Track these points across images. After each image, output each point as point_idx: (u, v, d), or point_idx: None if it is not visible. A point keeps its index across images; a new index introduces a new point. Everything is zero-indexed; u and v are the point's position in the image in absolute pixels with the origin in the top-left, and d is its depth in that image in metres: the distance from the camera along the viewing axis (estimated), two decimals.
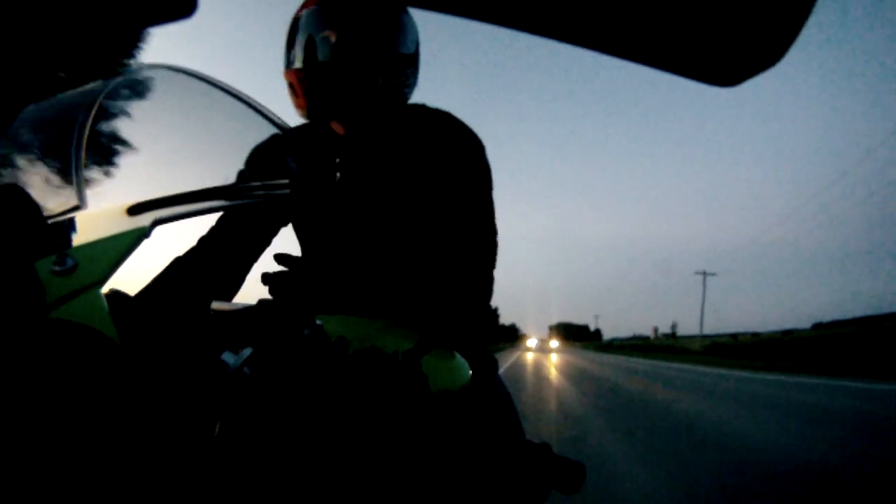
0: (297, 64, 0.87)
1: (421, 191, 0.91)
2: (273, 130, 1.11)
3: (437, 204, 0.90)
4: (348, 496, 0.57)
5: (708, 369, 19.05)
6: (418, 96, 0.97)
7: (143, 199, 0.69)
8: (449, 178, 0.90)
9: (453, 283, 0.86)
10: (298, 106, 0.91)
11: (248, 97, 1.09)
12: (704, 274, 50.64)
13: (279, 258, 0.75)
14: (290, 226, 1.04)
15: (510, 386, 0.95)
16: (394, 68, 0.87)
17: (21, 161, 0.74)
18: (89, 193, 0.67)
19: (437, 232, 0.90)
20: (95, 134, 0.72)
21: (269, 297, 0.72)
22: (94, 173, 0.69)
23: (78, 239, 0.70)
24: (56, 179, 0.69)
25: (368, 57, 0.85)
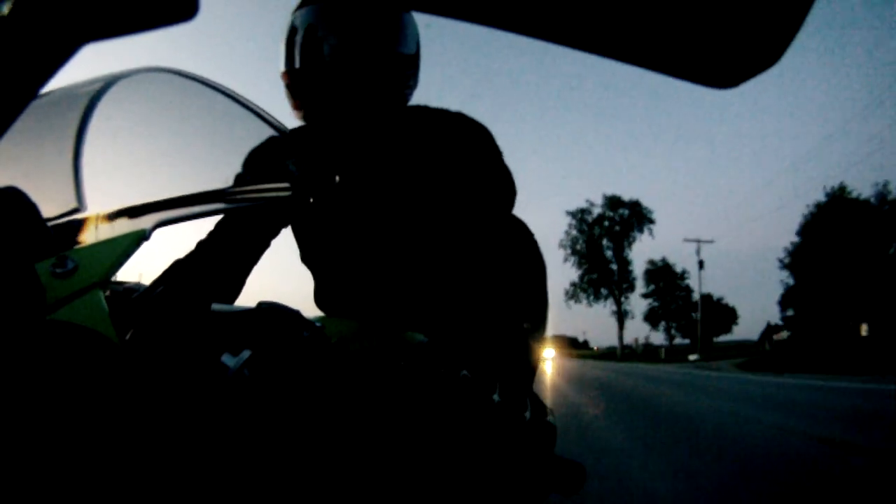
0: (295, 65, 0.86)
1: (428, 192, 0.90)
2: (271, 132, 1.11)
3: (448, 205, 0.89)
4: (348, 497, 0.57)
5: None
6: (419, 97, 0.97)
7: (143, 201, 0.69)
8: (464, 176, 0.89)
9: (458, 287, 0.85)
10: (296, 108, 0.90)
11: (246, 99, 1.09)
12: (584, 335, 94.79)
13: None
14: (289, 228, 1.03)
15: None
16: (394, 69, 0.86)
17: (20, 163, 0.74)
18: (89, 195, 0.67)
19: (444, 236, 0.90)
20: (95, 136, 0.72)
21: (268, 299, 0.72)
22: (93, 175, 0.69)
23: (78, 241, 0.70)
24: (55, 181, 0.69)
25: (368, 58, 0.83)
